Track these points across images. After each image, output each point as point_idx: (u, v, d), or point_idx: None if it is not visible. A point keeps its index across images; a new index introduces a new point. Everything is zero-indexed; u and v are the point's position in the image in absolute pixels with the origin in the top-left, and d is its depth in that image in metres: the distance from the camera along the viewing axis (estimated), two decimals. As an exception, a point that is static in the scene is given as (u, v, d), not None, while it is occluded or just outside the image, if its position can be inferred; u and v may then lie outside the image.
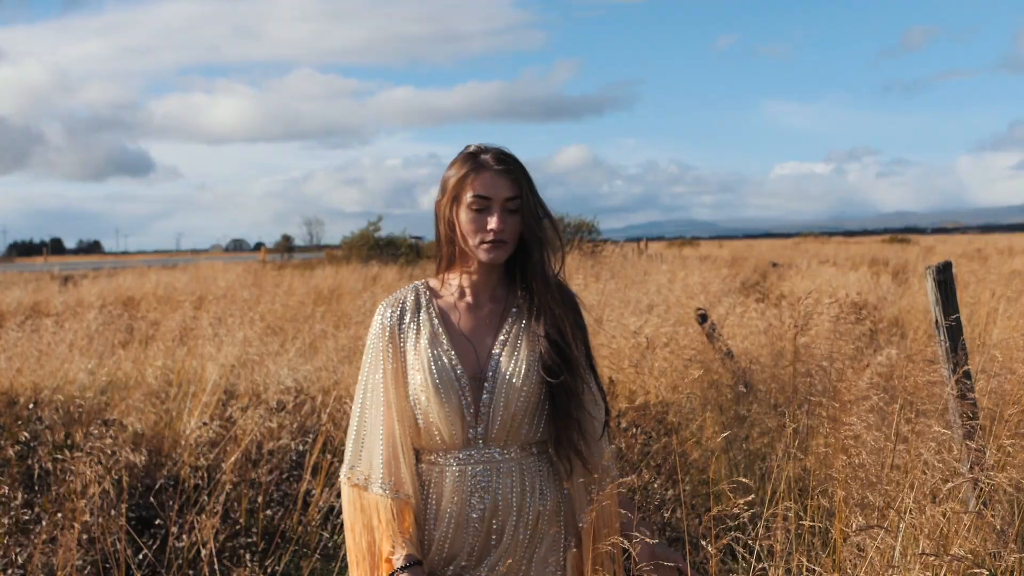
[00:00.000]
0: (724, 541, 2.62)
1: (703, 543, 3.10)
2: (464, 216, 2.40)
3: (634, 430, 5.25)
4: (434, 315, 2.45)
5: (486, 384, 2.40)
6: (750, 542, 3.15)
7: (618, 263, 14.13)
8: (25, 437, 5.12)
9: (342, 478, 2.46)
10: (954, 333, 3.81)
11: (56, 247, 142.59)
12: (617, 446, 4.98)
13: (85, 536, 4.34)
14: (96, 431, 4.95)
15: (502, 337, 2.44)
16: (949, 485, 2.95)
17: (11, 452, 5.03)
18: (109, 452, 4.74)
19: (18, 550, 4.19)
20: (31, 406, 5.77)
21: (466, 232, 2.41)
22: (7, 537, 4.31)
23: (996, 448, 3.60)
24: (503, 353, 2.42)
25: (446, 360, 2.40)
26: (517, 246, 2.44)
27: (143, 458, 4.89)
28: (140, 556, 4.44)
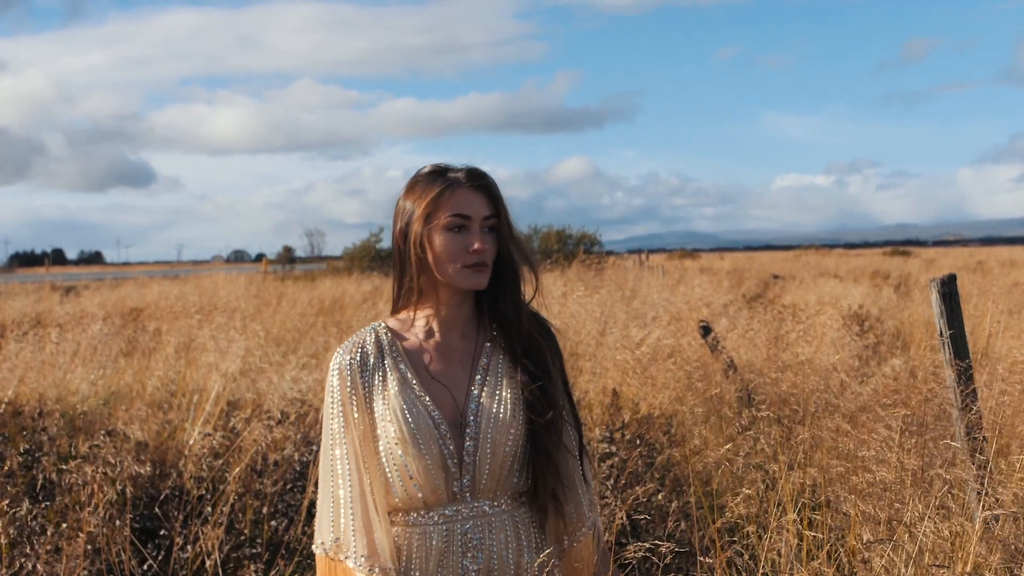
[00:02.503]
0: (728, 554, 2.61)
1: (706, 558, 3.10)
2: (439, 239, 2.15)
3: (637, 441, 5.26)
4: (400, 358, 2.19)
5: (468, 430, 2.15)
6: (755, 553, 3.15)
7: (620, 275, 14.15)
8: (29, 447, 5.13)
9: (315, 550, 2.21)
10: (959, 345, 3.82)
11: (57, 258, 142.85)
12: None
13: (90, 546, 4.34)
14: (100, 441, 4.96)
15: (479, 377, 2.20)
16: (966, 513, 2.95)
17: (15, 462, 5.04)
18: (113, 462, 4.75)
19: (23, 560, 4.19)
20: (35, 416, 5.77)
21: (442, 257, 2.15)
22: (12, 547, 4.31)
23: (1005, 462, 3.60)
24: (483, 394, 2.18)
25: (421, 407, 2.14)
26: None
27: (147, 468, 4.89)
28: (145, 567, 4.44)
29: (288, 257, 48.87)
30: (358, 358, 2.19)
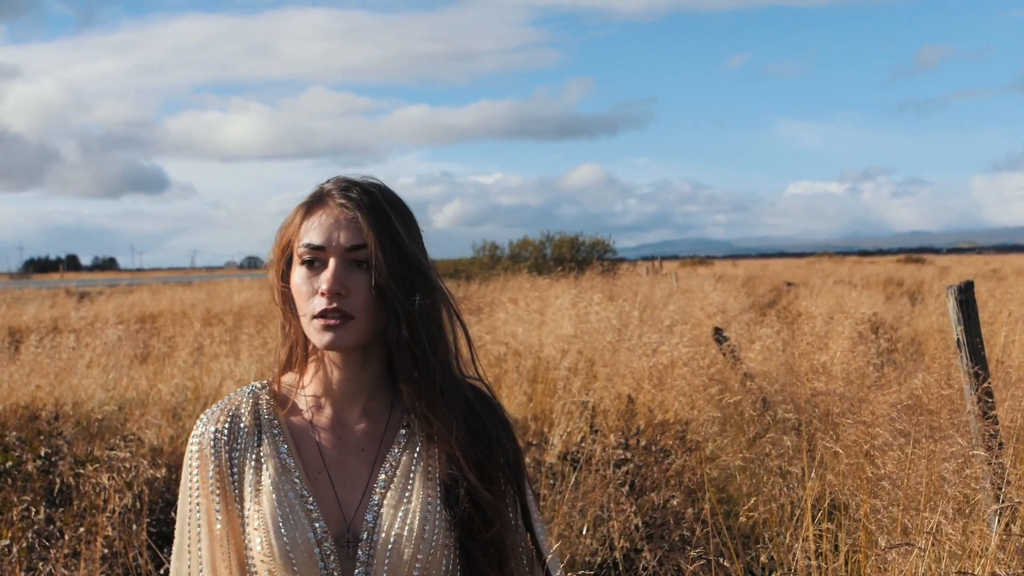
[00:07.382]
0: (748, 560, 2.61)
1: (725, 562, 3.10)
2: (296, 278, 1.61)
3: (653, 447, 5.27)
4: (281, 436, 1.63)
5: (360, 551, 1.57)
6: (773, 557, 3.15)
7: (634, 282, 14.15)
8: (46, 452, 5.16)
9: None
10: (976, 352, 3.82)
11: (72, 264, 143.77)
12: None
13: (107, 550, 4.36)
14: (116, 445, 4.99)
15: (383, 477, 1.61)
16: (987, 515, 2.95)
17: (33, 467, 5.07)
18: (129, 467, 4.78)
19: (41, 564, 4.22)
20: (52, 420, 5.81)
21: (297, 301, 1.61)
22: (30, 552, 4.34)
23: (1022, 467, 3.59)
24: (385, 502, 1.59)
25: (302, 512, 1.57)
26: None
27: (163, 473, 4.92)
28: (161, 571, 4.46)
29: (301, 264, 49.01)
30: (226, 430, 1.62)
